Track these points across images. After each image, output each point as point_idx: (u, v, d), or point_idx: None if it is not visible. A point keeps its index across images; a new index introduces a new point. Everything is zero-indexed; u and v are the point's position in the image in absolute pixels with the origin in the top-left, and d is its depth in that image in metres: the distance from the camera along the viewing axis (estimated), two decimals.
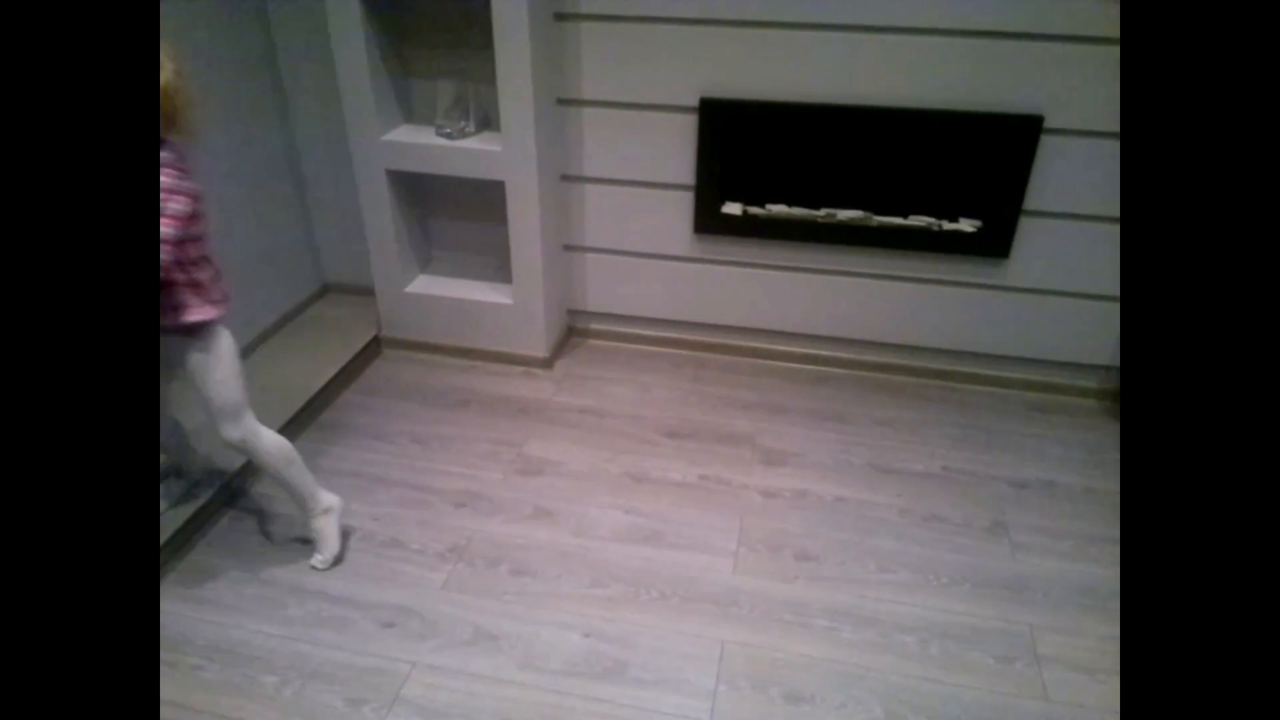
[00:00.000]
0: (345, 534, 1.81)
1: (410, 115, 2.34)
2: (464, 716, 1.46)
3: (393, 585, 1.72)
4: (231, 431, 1.60)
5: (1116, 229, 2.08)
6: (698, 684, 1.51)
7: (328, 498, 1.76)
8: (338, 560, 1.77)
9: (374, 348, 2.50)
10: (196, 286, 1.47)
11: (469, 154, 2.19)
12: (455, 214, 2.51)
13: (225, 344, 1.56)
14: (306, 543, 1.79)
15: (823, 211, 2.22)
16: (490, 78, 2.09)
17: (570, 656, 1.57)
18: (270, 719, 1.46)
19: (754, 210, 2.25)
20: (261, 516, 1.89)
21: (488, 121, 2.27)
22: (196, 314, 1.48)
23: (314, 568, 1.76)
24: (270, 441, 1.65)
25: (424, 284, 2.48)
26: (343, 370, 2.34)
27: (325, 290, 2.71)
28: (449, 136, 2.22)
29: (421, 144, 2.21)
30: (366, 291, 2.53)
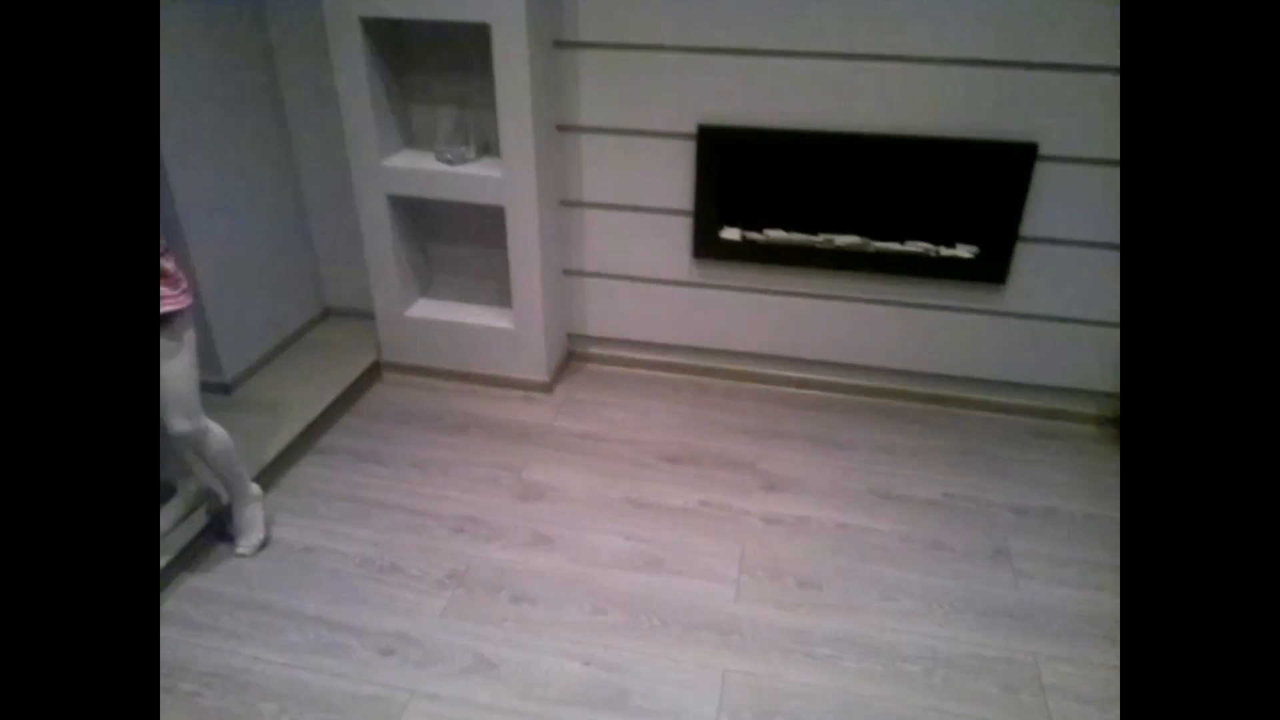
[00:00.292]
0: (267, 522, 1.89)
1: (411, 141, 2.36)
2: None
3: (391, 611, 1.70)
4: (184, 424, 1.62)
5: (1113, 254, 2.09)
6: (699, 713, 1.50)
7: (255, 487, 1.85)
8: (263, 545, 1.85)
9: (374, 372, 2.50)
10: (165, 276, 1.51)
11: (469, 180, 2.21)
12: (455, 239, 2.52)
13: (190, 335, 1.60)
14: (261, 546, 1.82)
15: (821, 237, 2.23)
16: (490, 104, 2.11)
17: (570, 685, 1.55)
18: None
19: (752, 235, 2.27)
20: (259, 543, 1.88)
21: (488, 147, 2.28)
22: (169, 304, 1.52)
23: (240, 554, 1.83)
24: (217, 434, 1.71)
25: (424, 308, 2.49)
26: (342, 394, 2.33)
27: (326, 314, 2.71)
28: (449, 162, 2.24)
29: (422, 169, 2.23)
30: (367, 315, 2.53)
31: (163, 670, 1.57)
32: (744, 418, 2.34)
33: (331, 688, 1.54)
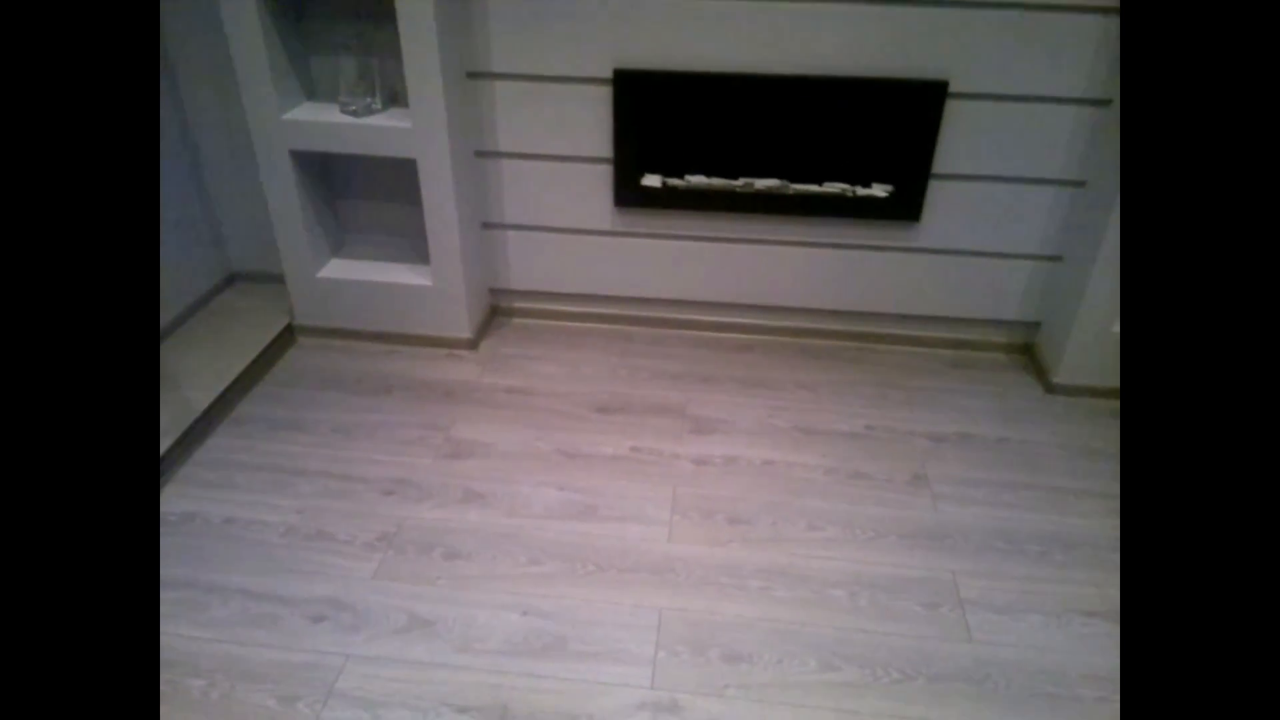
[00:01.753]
0: None
1: (313, 92, 2.24)
2: (403, 704, 1.44)
3: (321, 578, 1.67)
4: None
5: (1022, 188, 2.16)
6: (637, 652, 1.53)
7: None
8: None
9: (288, 336, 2.41)
10: None
11: (377, 131, 2.12)
12: (366, 194, 2.42)
13: None
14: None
15: (741, 181, 2.23)
16: (395, 51, 2.02)
17: (509, 636, 1.56)
18: None
19: (673, 182, 2.25)
20: (176, 520, 1.81)
21: (395, 97, 2.19)
22: None
23: None
24: None
25: (337, 268, 2.40)
26: (255, 361, 2.24)
27: (232, 279, 2.59)
28: (355, 114, 2.14)
29: (326, 122, 2.12)
30: (276, 279, 2.43)
31: None
32: (671, 364, 2.35)
33: (262, 658, 1.51)
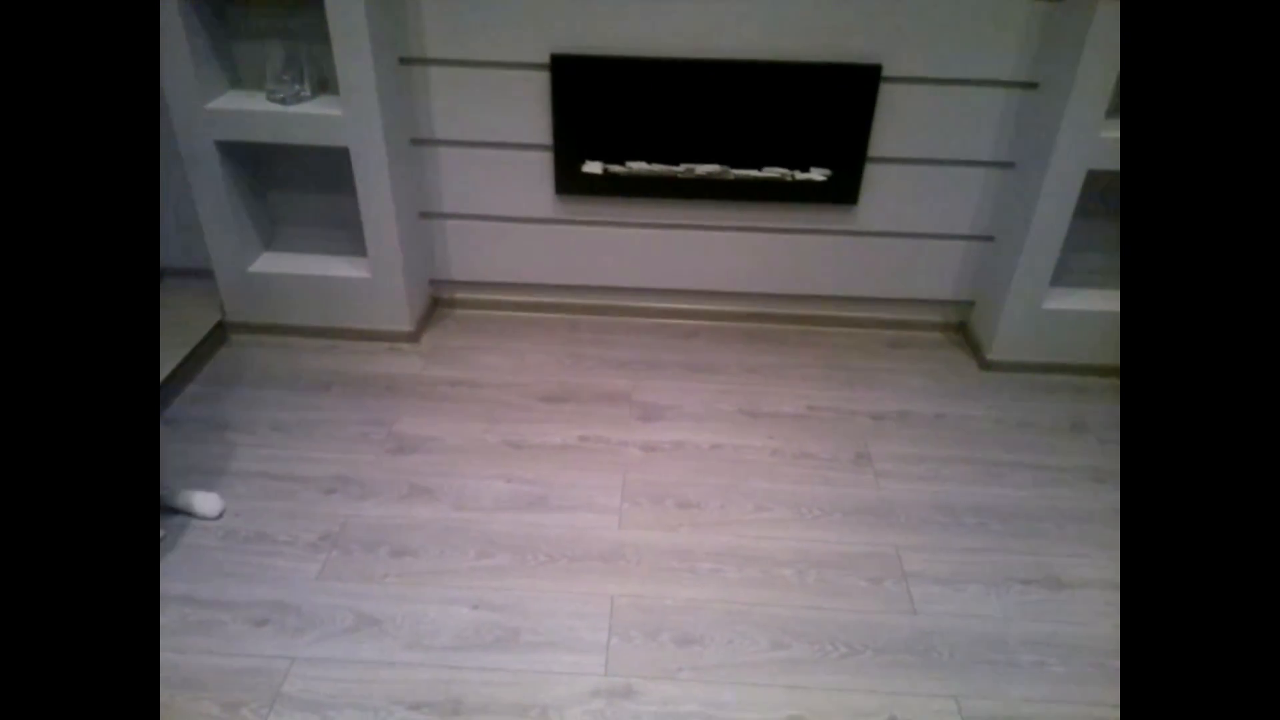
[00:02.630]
0: None
1: (237, 80, 2.16)
2: (352, 704, 1.41)
3: (262, 581, 1.63)
4: None
5: (956, 169, 2.21)
6: (590, 640, 1.53)
7: None
8: None
9: (219, 334, 2.33)
10: None
11: (306, 120, 2.05)
12: (297, 185, 2.35)
13: None
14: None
15: (682, 167, 2.24)
16: (324, 37, 1.95)
17: (459, 630, 1.54)
18: None
19: (614, 168, 2.24)
20: None
21: (325, 84, 2.13)
22: None
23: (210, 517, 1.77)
24: None
25: (269, 262, 2.33)
26: (185, 361, 2.16)
27: (160, 275, 2.48)
28: (283, 102, 2.07)
29: (252, 111, 2.05)
30: (204, 274, 2.34)
31: None
32: (616, 351, 2.35)
33: (203, 665, 1.47)
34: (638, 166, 2.24)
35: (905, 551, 1.72)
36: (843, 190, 2.25)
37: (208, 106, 2.04)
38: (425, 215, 2.35)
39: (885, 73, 2.08)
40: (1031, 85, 2.07)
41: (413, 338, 2.36)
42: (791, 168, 2.23)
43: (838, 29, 2.03)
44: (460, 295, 2.51)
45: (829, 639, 1.54)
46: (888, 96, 2.11)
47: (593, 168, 2.24)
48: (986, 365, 2.30)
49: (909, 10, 2.00)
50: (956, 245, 2.33)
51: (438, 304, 2.52)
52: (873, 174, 2.23)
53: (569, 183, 2.27)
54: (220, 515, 1.77)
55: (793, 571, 1.67)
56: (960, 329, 2.47)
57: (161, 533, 1.71)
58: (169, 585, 1.61)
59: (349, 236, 2.34)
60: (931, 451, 2.00)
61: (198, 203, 2.17)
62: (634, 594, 1.62)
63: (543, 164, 2.25)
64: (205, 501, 1.76)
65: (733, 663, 1.49)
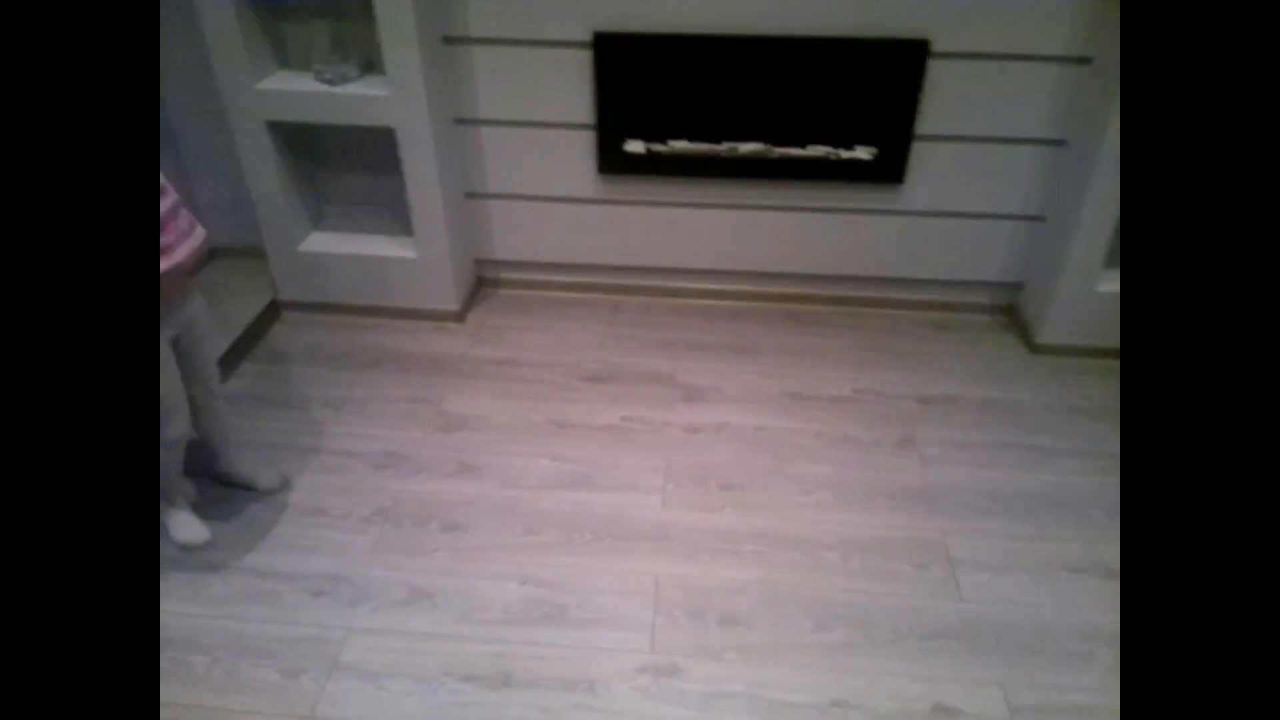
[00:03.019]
0: None
1: (285, 61, 2.19)
2: (406, 674, 1.46)
3: (319, 554, 1.68)
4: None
5: (1005, 148, 2.16)
6: (636, 618, 1.55)
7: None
8: None
9: (272, 312, 2.38)
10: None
11: (354, 100, 2.07)
12: (345, 165, 2.38)
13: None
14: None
15: (725, 146, 2.22)
16: (369, 16, 1.96)
17: (508, 605, 1.58)
18: (203, 699, 1.42)
19: (657, 148, 2.23)
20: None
21: (371, 65, 2.14)
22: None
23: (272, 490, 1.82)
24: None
25: (319, 241, 2.37)
26: (240, 338, 2.22)
27: (212, 254, 2.54)
28: (330, 82, 2.09)
29: (301, 91, 2.07)
30: (257, 254, 2.39)
31: None
32: (659, 332, 2.35)
33: (263, 634, 1.52)
34: (680, 145, 2.23)
35: (951, 537, 1.72)
36: (889, 169, 2.21)
37: (257, 87, 2.07)
38: (470, 195, 2.37)
39: (933, 48, 2.03)
40: (1085, 60, 2.01)
41: (458, 317, 2.39)
42: (836, 146, 2.20)
43: (883, 4, 1.98)
44: (505, 275, 2.53)
45: (873, 623, 1.55)
46: (935, 72, 2.07)
47: (635, 147, 2.24)
48: (1036, 349, 2.26)
49: None
50: (1005, 225, 2.28)
51: (482, 283, 2.54)
52: (920, 152, 2.19)
53: (611, 162, 2.27)
54: (282, 488, 1.82)
55: (837, 555, 1.68)
56: (1009, 311, 2.42)
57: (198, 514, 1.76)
58: (229, 555, 1.67)
59: (395, 216, 2.37)
60: (979, 436, 1.98)
61: (249, 182, 2.21)
62: (678, 574, 1.64)
63: (585, 143, 2.25)
64: (266, 476, 1.82)
65: (777, 644, 1.51)
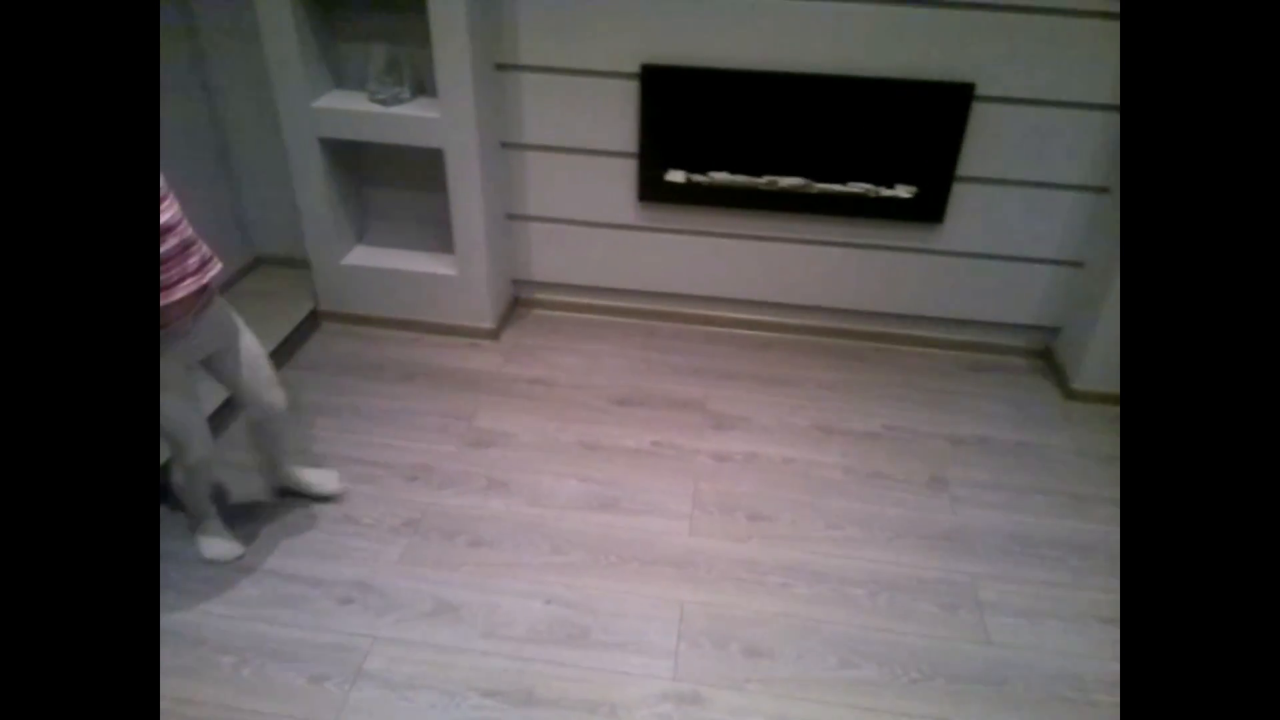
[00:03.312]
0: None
1: (341, 81, 2.26)
2: (429, 686, 1.46)
3: (348, 561, 1.70)
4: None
5: (1047, 192, 2.16)
6: (660, 644, 1.55)
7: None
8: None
9: (311, 321, 2.43)
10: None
11: (405, 121, 2.13)
12: (391, 182, 2.44)
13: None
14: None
15: (765, 179, 2.24)
16: (425, 41, 2.03)
17: (533, 623, 1.58)
18: (229, 699, 1.43)
19: (697, 178, 2.26)
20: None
21: (423, 87, 2.20)
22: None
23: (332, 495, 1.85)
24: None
25: (362, 255, 2.42)
26: (280, 345, 2.27)
27: (257, 263, 2.61)
28: (383, 103, 2.15)
29: (354, 111, 2.14)
30: (301, 264, 2.45)
31: None
32: (691, 359, 2.37)
33: (291, 638, 1.54)
34: (720, 177, 2.26)
35: (980, 580, 1.70)
36: (928, 208, 2.22)
37: (313, 105, 2.13)
38: (510, 216, 2.42)
39: (979, 91, 2.05)
40: None
41: (493, 335, 2.42)
42: (877, 183, 2.22)
43: (930, 47, 2.01)
44: (540, 295, 2.57)
45: (899, 663, 1.53)
46: (980, 115, 2.08)
47: (676, 176, 2.27)
48: (1071, 394, 2.24)
49: (1006, 29, 1.97)
50: (1043, 269, 2.28)
51: (518, 303, 2.58)
52: (960, 193, 2.20)
53: (652, 190, 2.30)
54: (339, 495, 1.84)
55: (864, 592, 1.67)
56: (1044, 355, 2.41)
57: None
58: (259, 559, 1.69)
59: (437, 234, 2.42)
60: (1010, 480, 1.96)
61: (299, 196, 2.27)
62: (703, 601, 1.64)
63: (627, 171, 2.29)
64: (324, 479, 1.84)
65: (801, 678, 1.50)
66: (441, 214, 2.31)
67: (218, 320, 1.51)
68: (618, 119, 2.21)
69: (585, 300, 2.54)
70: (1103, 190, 2.13)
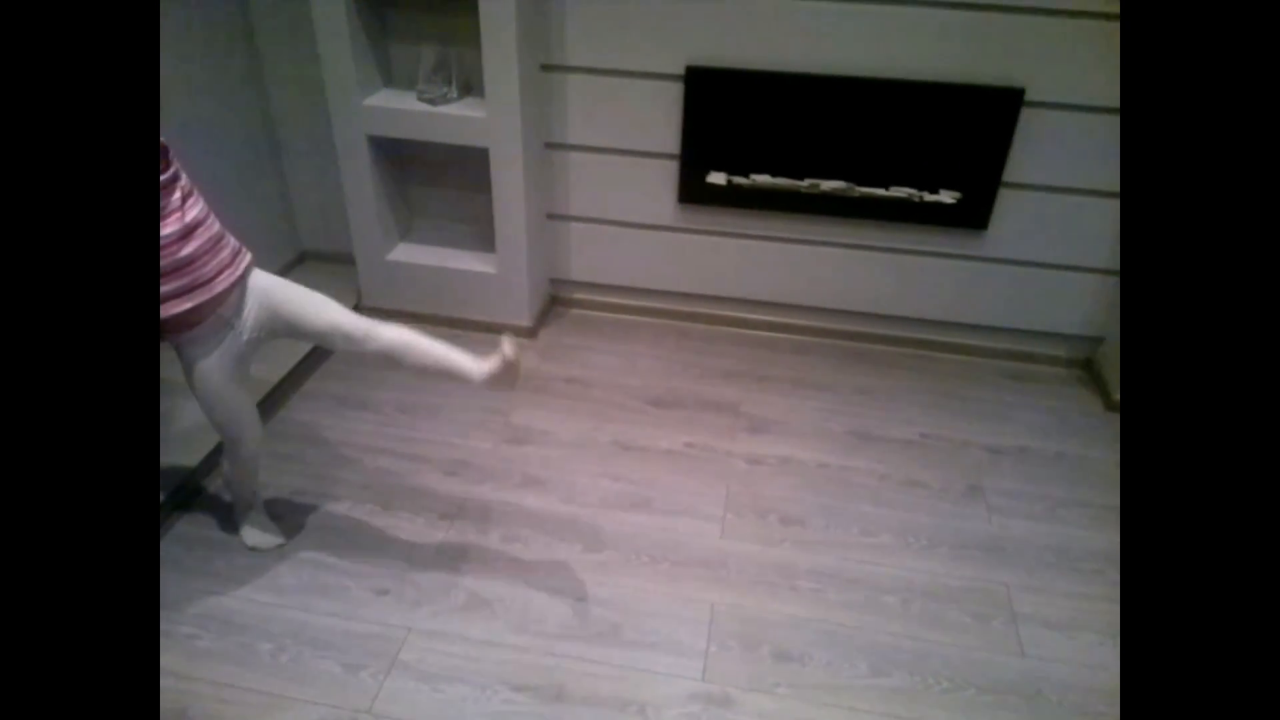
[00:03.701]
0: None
1: (390, 80, 2.30)
2: (461, 679, 1.49)
3: (385, 553, 1.73)
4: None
5: (1093, 200, 2.13)
6: (690, 645, 1.56)
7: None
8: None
9: None
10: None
11: (452, 120, 2.16)
12: (436, 181, 2.48)
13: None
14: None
15: (806, 182, 2.24)
16: (473, 42, 2.06)
17: (564, 620, 1.60)
18: (268, 685, 1.47)
19: (738, 180, 2.26)
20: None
21: (470, 88, 2.24)
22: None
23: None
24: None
25: (405, 252, 2.46)
26: None
27: (303, 258, 2.67)
28: (431, 102, 2.19)
29: (403, 110, 2.18)
30: (346, 259, 2.50)
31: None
32: (727, 361, 2.37)
33: (328, 626, 1.58)
34: (762, 179, 2.26)
35: (1016, 591, 1.68)
36: (972, 214, 2.20)
37: (364, 103, 2.18)
38: (551, 216, 2.44)
39: (1028, 97, 2.02)
40: None
41: (531, 333, 2.45)
42: (920, 189, 2.20)
43: (979, 51, 1.99)
44: (578, 295, 2.59)
45: (932, 672, 1.52)
46: (1027, 121, 2.05)
47: (717, 178, 2.27)
48: (1113, 405, 2.20)
49: (1055, 34, 1.93)
50: (1088, 278, 2.24)
51: (556, 302, 2.60)
52: (1005, 199, 2.17)
53: (692, 192, 2.31)
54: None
55: (896, 599, 1.66)
56: (1086, 365, 2.37)
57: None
58: (298, 548, 1.73)
59: (478, 232, 2.45)
60: (1049, 491, 1.93)
61: (346, 192, 2.32)
62: (734, 604, 1.64)
63: (668, 172, 2.30)
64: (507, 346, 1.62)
65: (832, 684, 1.49)
66: (484, 213, 2.34)
67: (257, 299, 1.49)
68: (660, 120, 2.22)
69: (623, 301, 2.56)
70: None
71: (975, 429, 2.12)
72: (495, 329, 2.45)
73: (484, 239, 2.41)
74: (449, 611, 1.61)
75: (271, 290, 1.51)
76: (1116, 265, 2.20)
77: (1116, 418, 2.18)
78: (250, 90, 2.33)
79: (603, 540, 1.78)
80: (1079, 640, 1.58)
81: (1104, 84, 1.97)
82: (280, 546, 1.73)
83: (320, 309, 1.52)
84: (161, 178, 1.33)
